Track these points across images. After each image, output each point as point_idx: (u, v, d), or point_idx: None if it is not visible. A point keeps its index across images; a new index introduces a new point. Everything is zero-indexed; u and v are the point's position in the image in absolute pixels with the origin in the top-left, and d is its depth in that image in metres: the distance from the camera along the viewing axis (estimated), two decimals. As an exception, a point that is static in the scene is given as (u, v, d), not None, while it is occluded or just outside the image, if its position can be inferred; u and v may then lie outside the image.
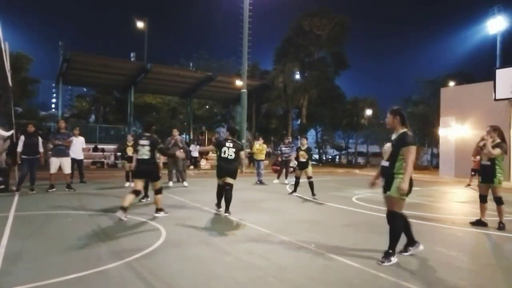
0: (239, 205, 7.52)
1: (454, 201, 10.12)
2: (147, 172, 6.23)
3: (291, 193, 9.65)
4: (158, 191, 6.31)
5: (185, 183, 11.10)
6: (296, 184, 9.57)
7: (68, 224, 5.57)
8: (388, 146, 4.25)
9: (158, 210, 6.39)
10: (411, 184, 3.95)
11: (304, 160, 9.31)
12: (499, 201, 6.05)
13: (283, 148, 13.42)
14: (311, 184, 9.16)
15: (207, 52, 51.88)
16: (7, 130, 9.80)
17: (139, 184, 6.21)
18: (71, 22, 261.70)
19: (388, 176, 4.06)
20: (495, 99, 16.24)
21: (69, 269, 3.50)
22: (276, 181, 13.17)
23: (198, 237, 4.97)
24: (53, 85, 51.61)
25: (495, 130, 6.15)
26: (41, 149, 9.03)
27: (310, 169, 9.32)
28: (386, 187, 4.07)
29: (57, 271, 3.44)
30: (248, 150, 19.46)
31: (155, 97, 31.16)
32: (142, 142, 6.17)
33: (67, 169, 9.17)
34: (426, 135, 31.11)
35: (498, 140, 6.06)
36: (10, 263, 3.69)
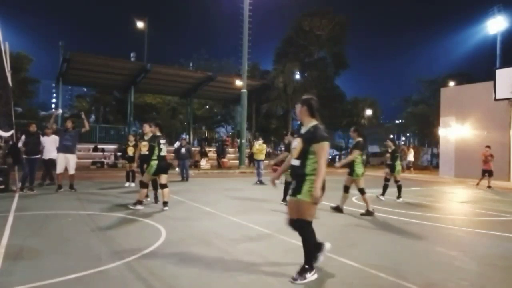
0: (239, 205, 7.52)
1: (454, 201, 10.11)
2: (166, 166, 7.10)
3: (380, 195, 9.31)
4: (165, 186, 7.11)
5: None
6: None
7: (68, 224, 5.57)
8: (298, 141, 3.51)
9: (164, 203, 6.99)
10: (323, 187, 3.30)
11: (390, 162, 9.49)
12: (361, 191, 6.98)
13: (283, 148, 13.43)
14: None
15: (207, 52, 51.96)
16: (7, 131, 9.79)
17: (164, 178, 7.00)
18: (71, 22, 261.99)
19: (298, 177, 3.39)
20: (495, 99, 16.26)
21: (69, 269, 3.49)
22: (276, 181, 13.17)
23: (198, 237, 4.97)
24: (53, 85, 51.59)
25: (355, 131, 7.12)
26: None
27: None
28: (296, 190, 3.38)
29: (57, 271, 3.43)
30: (248, 150, 19.48)
31: (155, 97, 31.16)
32: (163, 141, 7.01)
33: (72, 169, 9.18)
34: (426, 135, 31.10)
35: (358, 139, 7.04)
36: (10, 263, 3.69)
